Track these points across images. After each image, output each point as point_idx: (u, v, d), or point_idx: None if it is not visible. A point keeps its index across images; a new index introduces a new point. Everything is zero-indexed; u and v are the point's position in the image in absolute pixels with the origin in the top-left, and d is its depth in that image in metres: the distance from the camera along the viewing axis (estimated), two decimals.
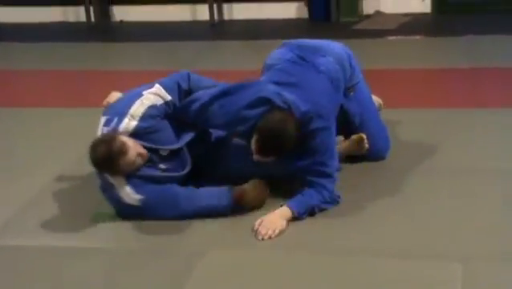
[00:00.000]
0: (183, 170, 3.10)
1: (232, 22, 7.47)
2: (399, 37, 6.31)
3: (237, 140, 3.21)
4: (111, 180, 3.01)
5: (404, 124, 3.90)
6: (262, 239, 2.89)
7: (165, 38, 6.78)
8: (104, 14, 7.68)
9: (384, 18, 6.96)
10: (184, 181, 3.12)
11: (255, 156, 2.96)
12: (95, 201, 3.27)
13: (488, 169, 3.39)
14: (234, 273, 2.70)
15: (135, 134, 3.01)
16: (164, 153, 3.07)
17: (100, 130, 3.10)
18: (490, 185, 3.22)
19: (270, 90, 3.05)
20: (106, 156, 2.91)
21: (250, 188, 3.08)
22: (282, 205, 3.03)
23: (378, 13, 7.14)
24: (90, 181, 3.49)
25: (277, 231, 2.91)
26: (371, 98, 3.54)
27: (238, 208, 3.06)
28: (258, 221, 2.95)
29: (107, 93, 5.03)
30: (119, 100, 3.21)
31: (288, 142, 2.92)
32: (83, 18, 7.59)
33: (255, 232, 2.92)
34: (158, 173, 3.05)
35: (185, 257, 2.81)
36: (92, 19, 7.52)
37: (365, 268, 2.66)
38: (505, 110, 4.16)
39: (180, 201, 3.03)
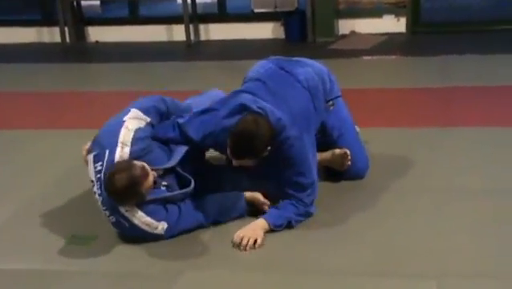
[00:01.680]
0: (185, 187, 3.07)
1: (208, 42, 7.51)
2: (374, 57, 6.37)
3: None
4: (126, 214, 2.94)
5: (378, 143, 3.93)
6: (245, 250, 2.90)
7: (141, 59, 6.79)
8: (80, 34, 7.69)
9: (359, 38, 7.04)
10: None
11: (234, 162, 2.98)
12: (71, 224, 3.25)
13: (461, 188, 3.42)
14: None
15: (131, 159, 2.98)
16: (159, 173, 3.05)
17: (92, 168, 3.02)
18: (464, 204, 3.25)
19: (246, 97, 3.11)
20: (130, 183, 2.83)
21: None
22: (257, 218, 3.06)
23: (353, 33, 7.22)
24: (66, 203, 3.48)
25: (259, 241, 2.93)
26: (350, 117, 3.56)
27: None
28: (237, 233, 2.97)
29: (83, 114, 5.05)
30: (99, 135, 3.12)
31: (260, 142, 2.91)
32: (58, 38, 7.58)
33: (235, 244, 2.94)
34: (167, 194, 3.03)
35: (162, 278, 2.79)
36: (67, 40, 7.52)
37: (340, 287, 2.66)
38: (477, 129, 4.22)
39: (198, 214, 3.07)
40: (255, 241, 2.94)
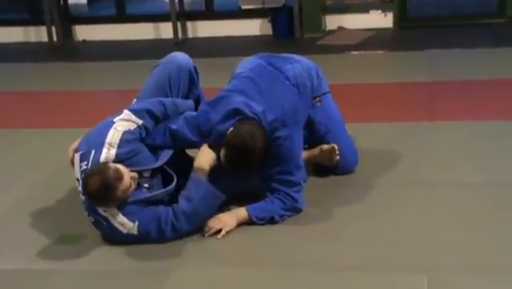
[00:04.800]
0: (168, 186, 3.05)
1: (196, 39, 7.50)
2: (361, 52, 6.39)
3: None
4: (104, 213, 2.92)
5: (367, 138, 3.94)
6: (203, 236, 2.98)
7: (129, 57, 6.77)
8: (67, 33, 7.65)
9: (347, 34, 7.05)
10: (172, 196, 3.07)
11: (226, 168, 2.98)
12: (61, 223, 3.24)
13: (450, 181, 3.43)
14: None
15: (117, 161, 2.96)
16: (146, 174, 3.04)
17: (78, 167, 3.00)
18: (453, 197, 3.26)
19: (238, 101, 3.08)
20: (104, 185, 2.81)
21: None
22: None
23: (341, 28, 7.23)
24: (55, 202, 3.47)
25: (223, 231, 2.98)
26: (338, 111, 3.56)
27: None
28: (212, 219, 3.01)
29: (71, 113, 5.04)
30: (89, 134, 3.12)
31: (256, 155, 2.93)
32: (45, 38, 7.55)
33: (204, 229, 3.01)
34: (147, 195, 3.00)
35: (153, 276, 2.78)
36: (55, 39, 7.48)
37: (330, 283, 2.66)
38: (465, 122, 4.23)
39: (174, 218, 2.98)
40: (220, 230, 2.98)
